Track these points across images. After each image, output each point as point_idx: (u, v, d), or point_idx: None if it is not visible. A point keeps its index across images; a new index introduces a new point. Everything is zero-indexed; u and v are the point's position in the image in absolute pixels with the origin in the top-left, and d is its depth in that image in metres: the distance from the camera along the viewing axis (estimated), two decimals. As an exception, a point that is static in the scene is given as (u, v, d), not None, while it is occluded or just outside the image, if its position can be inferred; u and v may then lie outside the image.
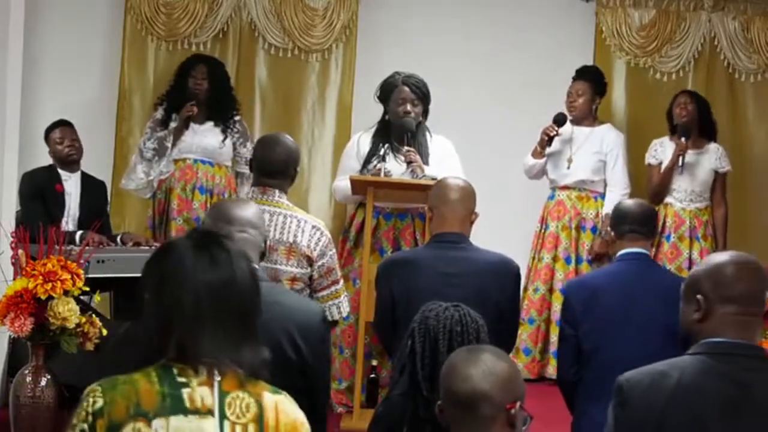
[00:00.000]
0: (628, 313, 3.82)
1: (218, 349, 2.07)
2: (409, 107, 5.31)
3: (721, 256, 2.62)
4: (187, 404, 2.04)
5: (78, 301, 4.16)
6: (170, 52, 6.68)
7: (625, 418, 2.48)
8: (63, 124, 5.74)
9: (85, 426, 2.04)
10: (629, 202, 4.14)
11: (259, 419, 2.08)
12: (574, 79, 6.28)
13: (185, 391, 2.05)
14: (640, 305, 3.84)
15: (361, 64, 6.72)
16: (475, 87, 6.69)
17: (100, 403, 2.04)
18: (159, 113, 6.12)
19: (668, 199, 6.20)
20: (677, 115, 6.21)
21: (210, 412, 2.05)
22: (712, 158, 6.25)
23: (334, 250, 4.07)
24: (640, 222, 3.97)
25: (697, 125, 6.22)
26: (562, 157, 6.21)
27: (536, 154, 6.17)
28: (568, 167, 6.20)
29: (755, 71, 6.69)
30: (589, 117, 6.29)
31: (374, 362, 5.29)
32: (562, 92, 6.32)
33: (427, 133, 5.41)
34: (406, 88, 5.34)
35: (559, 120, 6.12)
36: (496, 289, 3.85)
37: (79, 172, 5.77)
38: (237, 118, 6.17)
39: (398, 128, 5.32)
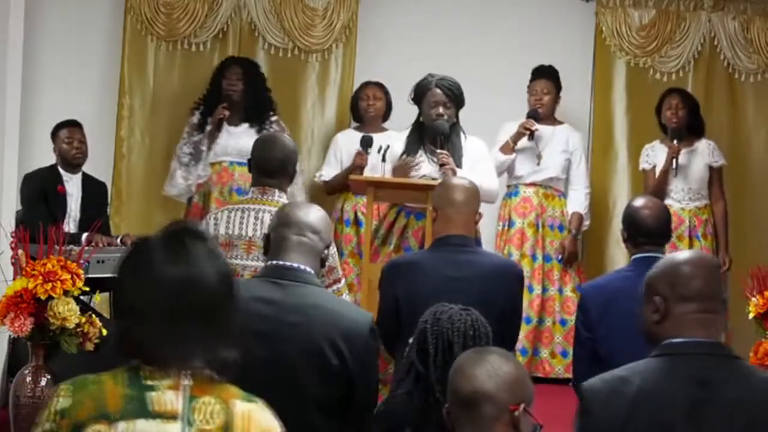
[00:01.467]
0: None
1: (181, 350, 2.00)
2: (441, 110, 5.31)
3: (676, 256, 2.60)
4: (152, 408, 1.98)
5: (78, 301, 4.16)
6: (170, 52, 6.68)
7: (589, 427, 2.43)
8: (73, 125, 5.72)
9: (49, 425, 1.99)
10: (645, 213, 3.94)
11: (226, 427, 2.01)
12: (536, 77, 6.32)
13: (151, 395, 1.99)
14: None
15: (360, 64, 6.72)
16: (474, 87, 6.66)
17: (67, 402, 1.99)
18: (195, 118, 6.16)
19: (667, 201, 6.17)
20: (667, 117, 6.20)
21: (175, 417, 1.99)
22: (704, 154, 6.25)
23: (335, 249, 4.07)
24: (655, 234, 3.90)
25: (687, 126, 6.22)
26: (531, 153, 6.24)
27: (507, 150, 6.19)
28: (538, 164, 6.23)
29: (755, 71, 6.69)
30: (551, 116, 6.35)
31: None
32: (562, 92, 6.34)
33: (462, 134, 5.41)
34: (439, 91, 5.33)
35: (535, 116, 6.17)
36: (500, 293, 3.84)
37: (80, 173, 5.76)
38: (273, 118, 6.18)
39: (431, 131, 5.32)
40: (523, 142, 6.18)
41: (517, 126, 6.16)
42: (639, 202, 4.06)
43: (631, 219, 3.98)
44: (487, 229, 6.22)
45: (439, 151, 5.23)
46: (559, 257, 6.19)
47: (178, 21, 6.65)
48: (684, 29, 6.73)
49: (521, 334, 6.02)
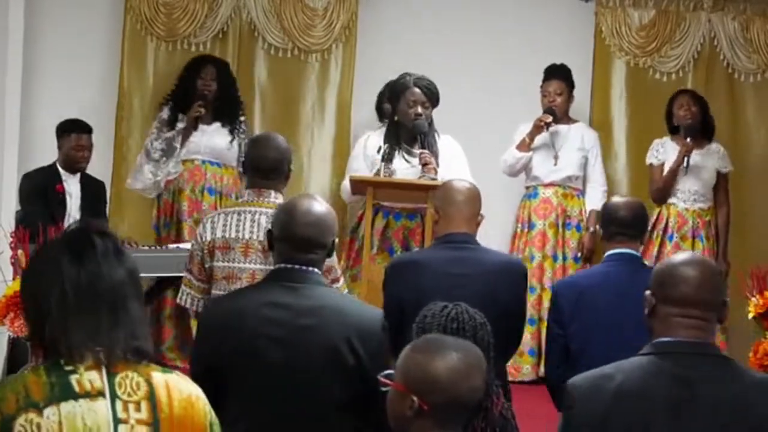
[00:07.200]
0: (616, 314, 3.75)
1: (93, 336, 2.09)
2: (420, 109, 5.31)
3: (675, 257, 2.60)
4: (77, 389, 2.07)
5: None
6: (170, 52, 6.68)
7: (572, 422, 2.48)
8: (82, 130, 5.70)
9: None
10: (619, 203, 4.01)
11: (151, 396, 2.11)
12: (548, 78, 6.30)
13: (73, 377, 2.08)
14: (629, 306, 3.74)
15: (360, 64, 6.72)
16: (474, 87, 6.69)
17: None
18: (165, 113, 6.11)
19: (671, 200, 6.20)
20: (680, 116, 6.19)
21: (101, 394, 2.08)
22: (714, 158, 6.25)
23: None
24: (628, 225, 3.88)
25: (700, 125, 6.22)
26: (548, 153, 6.24)
27: (524, 147, 6.18)
28: (555, 163, 6.23)
29: (755, 71, 6.69)
30: (566, 115, 6.35)
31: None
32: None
33: (436, 134, 5.42)
34: (418, 90, 5.33)
35: (552, 113, 6.17)
36: (504, 289, 3.82)
37: (79, 174, 5.77)
38: (242, 118, 6.19)
39: (410, 130, 5.33)
40: (539, 140, 6.18)
41: (533, 121, 6.15)
42: (615, 198, 4.24)
43: (605, 212, 4.02)
44: (503, 231, 6.23)
45: (420, 150, 5.24)
46: (577, 255, 6.19)
47: (178, 21, 6.64)
48: (684, 29, 6.73)
49: (529, 335, 6.07)
